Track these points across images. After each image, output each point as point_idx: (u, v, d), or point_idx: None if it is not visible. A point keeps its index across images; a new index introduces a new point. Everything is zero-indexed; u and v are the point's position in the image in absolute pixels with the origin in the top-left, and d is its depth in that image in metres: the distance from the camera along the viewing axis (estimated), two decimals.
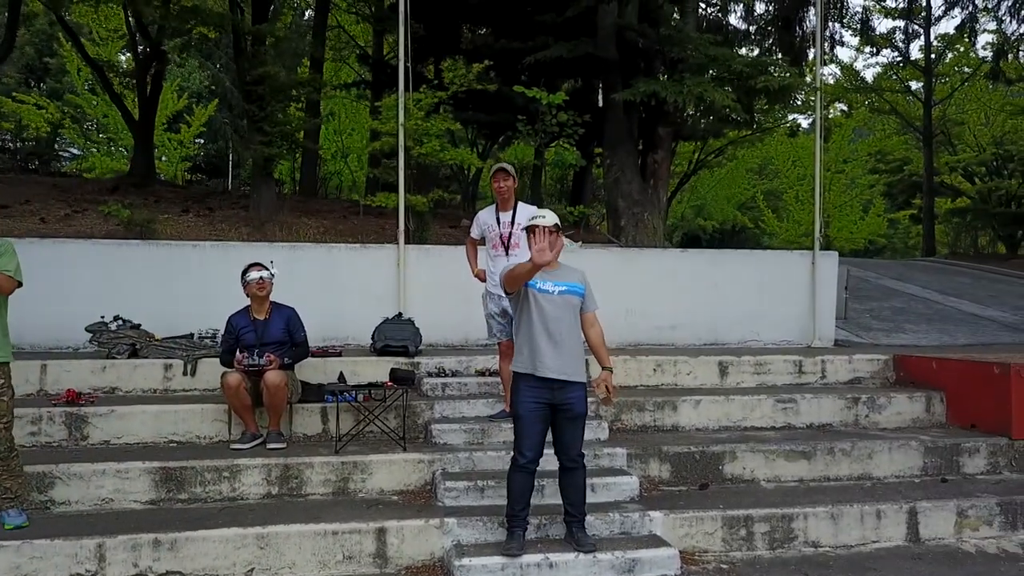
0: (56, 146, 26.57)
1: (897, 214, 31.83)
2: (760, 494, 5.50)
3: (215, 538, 4.48)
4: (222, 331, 5.94)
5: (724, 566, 4.80)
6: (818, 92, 9.43)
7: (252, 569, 4.50)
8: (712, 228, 31.36)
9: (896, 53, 26.52)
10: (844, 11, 19.06)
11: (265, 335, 5.76)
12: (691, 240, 30.40)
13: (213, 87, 28.05)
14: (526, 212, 5.79)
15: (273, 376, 5.46)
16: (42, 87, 27.42)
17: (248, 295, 5.83)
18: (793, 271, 8.81)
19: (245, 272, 5.83)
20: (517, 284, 4.43)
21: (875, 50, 26.63)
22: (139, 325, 6.70)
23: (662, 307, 8.44)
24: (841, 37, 25.31)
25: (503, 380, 6.02)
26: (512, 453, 4.53)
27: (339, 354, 6.89)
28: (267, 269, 5.82)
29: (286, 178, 23.61)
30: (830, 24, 18.30)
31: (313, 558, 4.57)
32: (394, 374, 5.97)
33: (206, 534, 4.49)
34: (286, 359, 5.72)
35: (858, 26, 23.34)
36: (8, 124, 21.72)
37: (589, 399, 4.66)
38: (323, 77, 14.10)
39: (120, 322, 6.65)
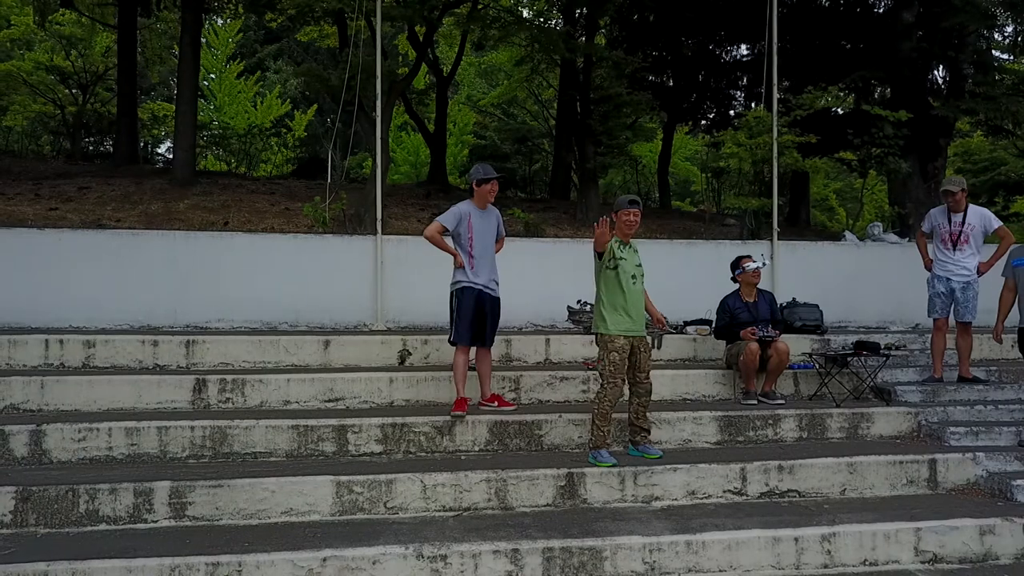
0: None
1: None
2: None
3: (819, 465, 5.89)
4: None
5: None
6: None
7: (844, 489, 5.91)
8: None
9: None
10: None
11: (757, 314, 7.18)
12: None
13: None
14: (977, 213, 7.19)
15: (784, 345, 6.89)
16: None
17: (742, 281, 7.25)
18: None
19: (739, 263, 7.24)
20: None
21: None
22: None
23: None
24: None
25: (934, 352, 7.38)
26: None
27: None
28: (757, 261, 7.24)
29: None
30: None
31: (885, 481, 5.96)
32: (863, 345, 7.33)
33: (812, 461, 5.90)
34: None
35: None
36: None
37: None
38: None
39: (587, 305, 8.12)
